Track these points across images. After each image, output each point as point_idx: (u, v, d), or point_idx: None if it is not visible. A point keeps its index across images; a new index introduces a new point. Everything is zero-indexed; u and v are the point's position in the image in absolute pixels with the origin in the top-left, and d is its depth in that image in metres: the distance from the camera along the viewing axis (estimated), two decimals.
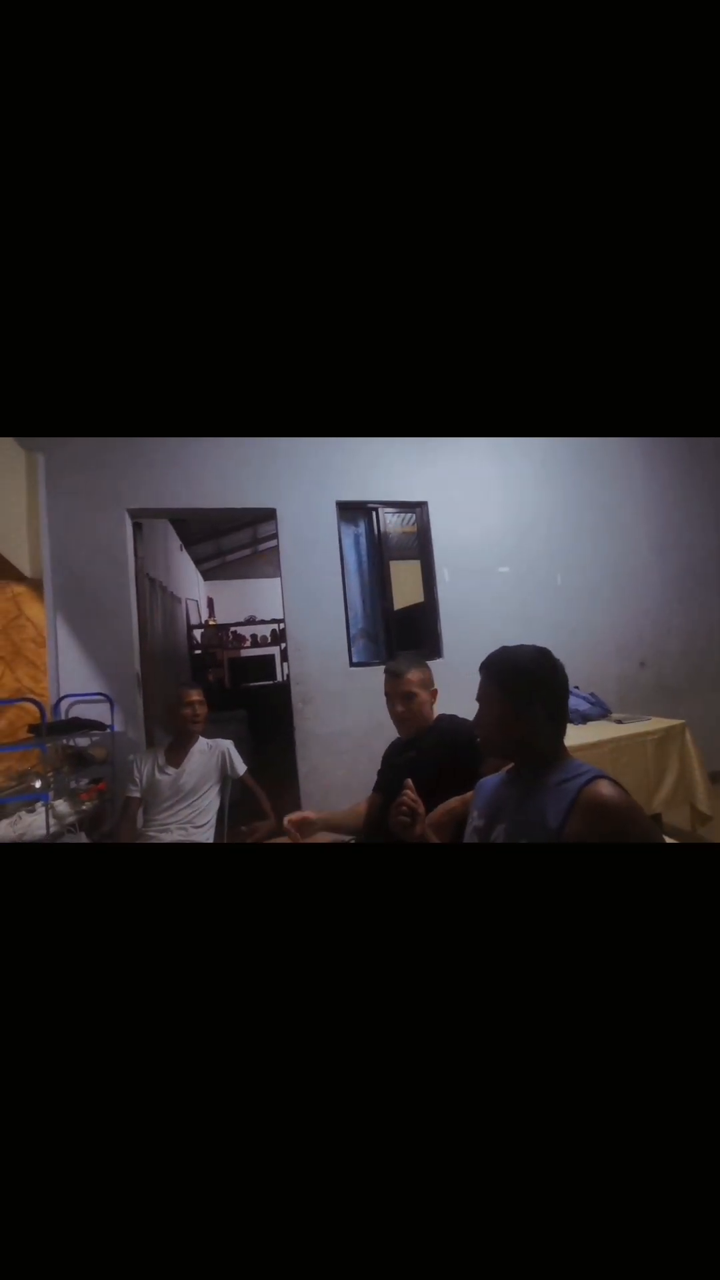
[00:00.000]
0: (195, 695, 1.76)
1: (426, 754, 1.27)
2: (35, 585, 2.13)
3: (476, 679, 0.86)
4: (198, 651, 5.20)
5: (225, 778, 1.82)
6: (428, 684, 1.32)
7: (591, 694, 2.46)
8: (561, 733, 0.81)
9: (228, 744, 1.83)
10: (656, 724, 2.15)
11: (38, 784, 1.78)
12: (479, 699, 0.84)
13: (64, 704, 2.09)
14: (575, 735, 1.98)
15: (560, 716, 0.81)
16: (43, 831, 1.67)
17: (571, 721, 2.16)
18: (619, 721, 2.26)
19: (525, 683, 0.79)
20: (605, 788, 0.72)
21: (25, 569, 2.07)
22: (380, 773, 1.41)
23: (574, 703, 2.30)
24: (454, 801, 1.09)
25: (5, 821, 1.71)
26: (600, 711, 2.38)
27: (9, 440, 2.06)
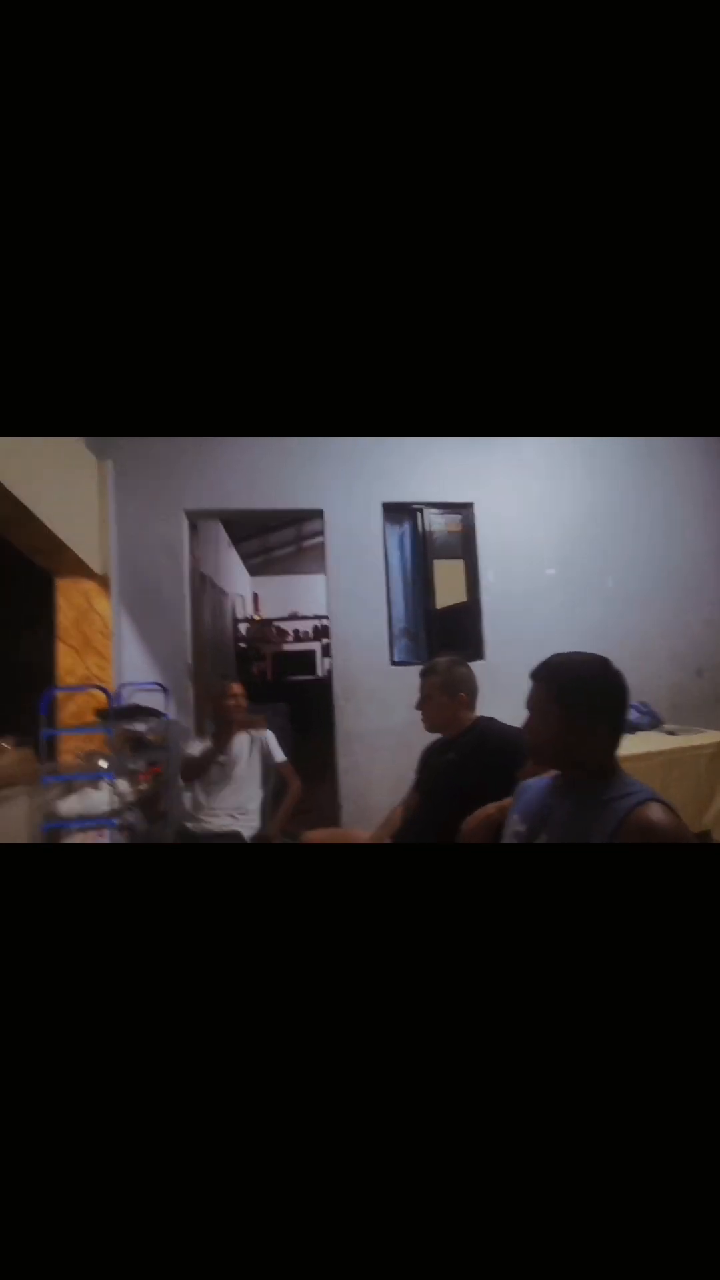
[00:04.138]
0: (237, 689, 1.90)
1: (465, 757, 1.29)
2: (104, 581, 2.31)
3: (519, 681, 0.83)
4: (243, 645, 5.39)
5: (267, 767, 1.92)
6: (453, 688, 1.31)
7: (642, 702, 2.36)
8: (616, 747, 0.78)
9: (267, 733, 1.93)
10: (712, 737, 2.04)
11: (103, 764, 1.94)
12: (530, 707, 0.81)
13: (124, 691, 2.26)
14: (624, 745, 1.91)
15: (618, 731, 0.78)
16: (106, 807, 1.83)
17: None
18: (671, 733, 2.17)
19: (585, 695, 0.75)
20: (656, 811, 0.69)
21: (96, 566, 2.24)
22: (418, 772, 1.44)
23: None
24: (491, 808, 1.10)
25: (74, 796, 1.89)
26: (651, 721, 2.29)
27: (83, 450, 2.24)
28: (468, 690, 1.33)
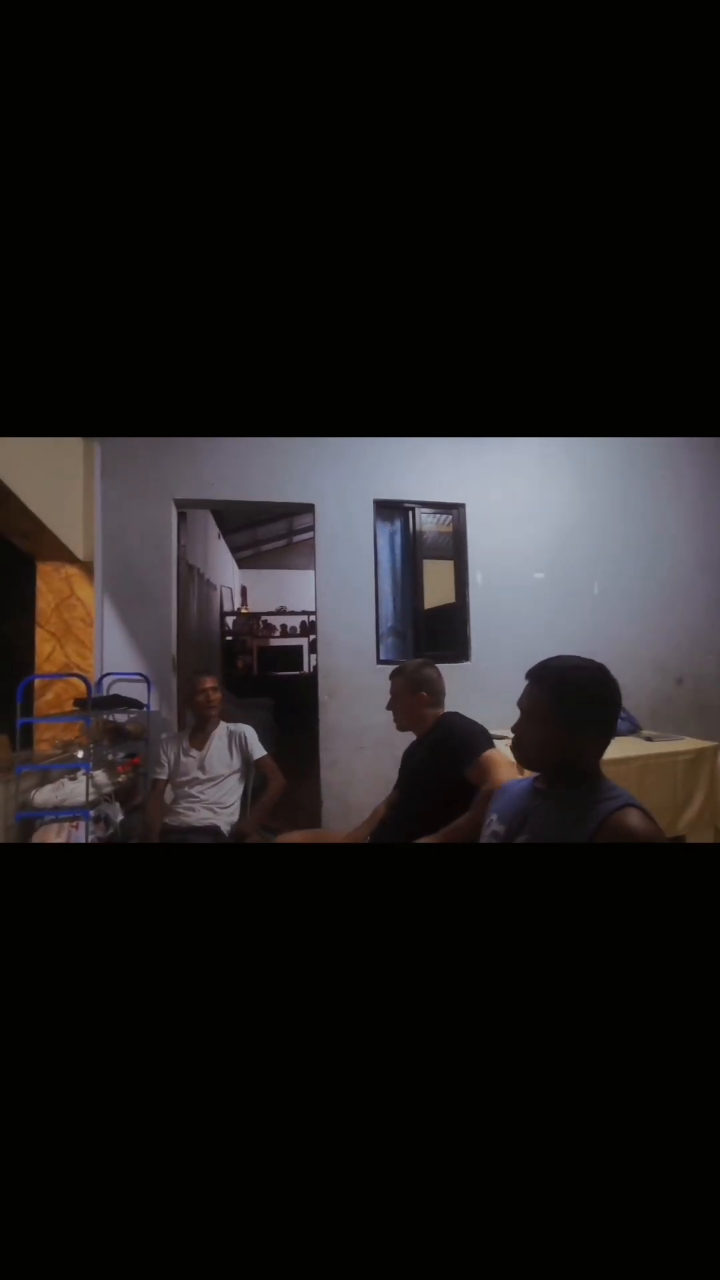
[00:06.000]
0: (209, 683, 1.86)
1: (431, 754, 1.30)
2: (86, 567, 2.25)
3: (504, 683, 0.85)
4: (229, 638, 5.34)
5: (247, 763, 1.90)
6: (415, 687, 1.33)
7: (622, 708, 2.40)
8: (602, 753, 0.79)
9: (247, 729, 1.91)
10: (689, 744, 2.08)
11: (80, 754, 1.90)
12: (523, 707, 0.80)
13: (106, 681, 2.22)
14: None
15: (606, 738, 0.78)
16: (82, 799, 1.79)
17: None
18: (648, 739, 2.21)
19: (580, 701, 0.75)
20: (633, 817, 0.70)
21: (78, 551, 2.19)
22: (400, 771, 1.45)
23: None
24: (461, 821, 1.09)
25: (49, 786, 1.84)
26: (629, 727, 2.33)
27: None
28: (429, 690, 1.33)
